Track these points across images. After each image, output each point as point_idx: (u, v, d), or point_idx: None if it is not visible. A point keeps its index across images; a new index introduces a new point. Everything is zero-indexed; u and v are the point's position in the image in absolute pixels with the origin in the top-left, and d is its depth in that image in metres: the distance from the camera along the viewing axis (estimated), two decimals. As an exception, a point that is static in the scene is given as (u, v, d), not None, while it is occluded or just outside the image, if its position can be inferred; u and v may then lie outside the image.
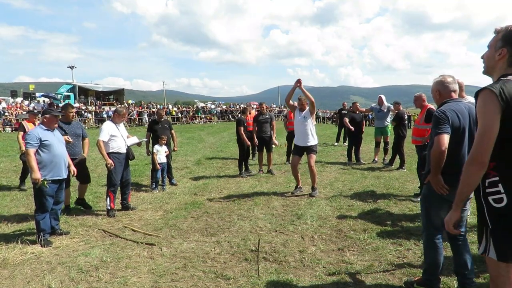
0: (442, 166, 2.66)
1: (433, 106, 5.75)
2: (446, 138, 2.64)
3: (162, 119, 7.35)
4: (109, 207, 5.27)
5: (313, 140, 6.15)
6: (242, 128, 8.09)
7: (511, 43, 1.83)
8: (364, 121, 10.07)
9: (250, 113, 8.82)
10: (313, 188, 6.27)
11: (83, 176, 5.50)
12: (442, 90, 2.86)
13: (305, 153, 6.24)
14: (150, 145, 7.04)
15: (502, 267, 1.82)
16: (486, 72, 1.99)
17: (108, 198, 5.27)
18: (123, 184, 5.50)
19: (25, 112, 17.99)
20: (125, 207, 5.52)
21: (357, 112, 9.96)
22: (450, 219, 1.98)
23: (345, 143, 13.90)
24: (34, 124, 7.21)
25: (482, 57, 2.00)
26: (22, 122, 7.80)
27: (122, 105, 29.08)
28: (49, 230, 4.29)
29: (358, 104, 10.10)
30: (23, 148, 7.33)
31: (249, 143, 8.13)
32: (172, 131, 7.44)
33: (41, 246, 4.06)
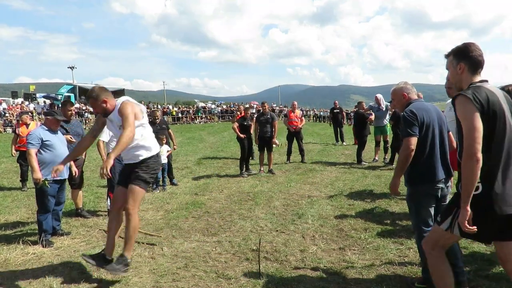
0: (406, 168, 2.77)
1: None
2: (414, 141, 2.74)
3: (158, 120, 7.37)
4: (110, 208, 5.26)
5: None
6: (235, 124, 8.27)
7: (464, 57, 2.13)
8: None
9: (241, 111, 8.92)
10: None
11: (79, 179, 5.37)
12: (407, 93, 3.02)
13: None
14: None
15: (447, 236, 2.21)
16: (458, 90, 2.19)
17: (108, 199, 5.27)
18: None
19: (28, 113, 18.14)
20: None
21: (363, 110, 9.94)
22: (463, 218, 2.03)
23: (344, 143, 13.92)
24: (27, 126, 7.24)
25: (448, 79, 2.22)
26: (15, 126, 7.89)
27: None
28: (51, 230, 4.29)
29: (364, 103, 10.10)
30: (13, 152, 7.40)
31: (242, 136, 8.14)
32: (170, 130, 7.46)
33: (43, 246, 4.06)
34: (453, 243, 2.31)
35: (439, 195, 2.88)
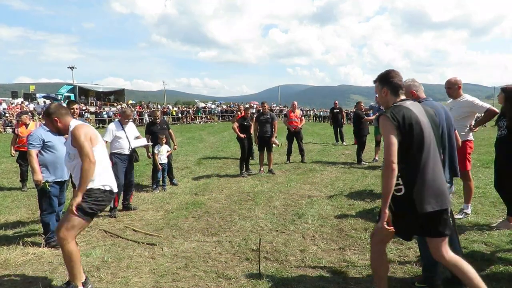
0: None
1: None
2: None
3: (159, 120, 7.37)
4: (112, 205, 5.26)
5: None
6: (235, 124, 8.28)
7: (385, 82, 2.53)
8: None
9: (241, 111, 8.93)
10: None
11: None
12: (416, 90, 3.07)
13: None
14: (150, 147, 7.04)
15: (385, 233, 2.37)
16: (386, 108, 2.54)
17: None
18: (126, 186, 5.50)
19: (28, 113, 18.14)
20: (126, 207, 5.53)
21: (362, 111, 9.96)
22: (382, 220, 2.32)
23: (344, 143, 13.92)
24: (26, 126, 7.23)
25: (377, 102, 2.41)
26: (15, 126, 7.89)
27: (127, 106, 29.07)
28: None
29: (362, 103, 10.12)
30: (13, 152, 7.40)
31: (242, 135, 8.14)
32: (170, 130, 7.47)
33: (51, 247, 4.05)
34: (391, 238, 2.62)
35: None
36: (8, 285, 3.23)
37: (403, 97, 2.52)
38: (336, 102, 14.73)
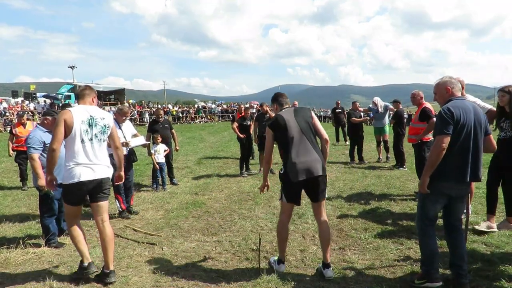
0: (436, 166, 2.76)
1: (429, 104, 5.75)
2: (446, 139, 2.71)
3: (162, 119, 7.34)
4: (120, 209, 5.23)
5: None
6: (234, 124, 8.29)
7: (274, 101, 3.56)
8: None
9: (241, 111, 8.92)
10: None
11: None
12: (451, 87, 2.92)
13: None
14: (151, 145, 7.03)
15: (286, 205, 3.31)
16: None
17: (117, 201, 5.24)
18: (126, 186, 5.44)
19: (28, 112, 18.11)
20: (128, 210, 5.47)
21: (357, 111, 9.98)
22: (261, 186, 3.59)
23: (347, 142, 13.92)
24: (24, 126, 7.22)
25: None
26: (12, 125, 7.87)
27: (124, 104, 29.02)
28: (57, 232, 4.29)
29: (357, 103, 10.15)
30: (11, 152, 7.38)
31: (242, 135, 8.13)
32: (173, 130, 7.44)
33: (54, 247, 4.05)
34: (291, 209, 3.37)
35: (454, 195, 2.87)
36: (8, 284, 3.23)
37: (284, 107, 3.45)
38: (339, 102, 14.70)
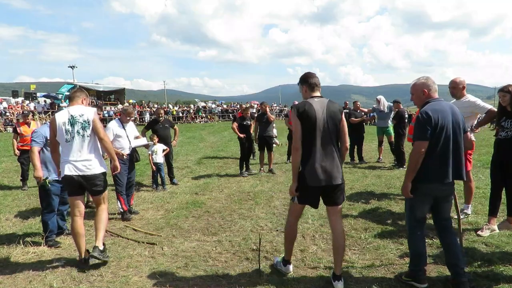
0: (418, 169, 2.81)
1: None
2: (424, 145, 2.75)
3: (162, 118, 7.34)
4: (121, 210, 5.18)
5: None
6: (234, 124, 8.27)
7: (303, 82, 3.11)
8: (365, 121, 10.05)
9: (243, 111, 8.87)
10: None
11: None
12: (428, 90, 2.92)
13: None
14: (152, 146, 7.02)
15: (296, 206, 3.13)
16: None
17: (118, 201, 5.22)
18: (127, 186, 5.45)
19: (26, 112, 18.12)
20: (129, 210, 5.46)
21: (358, 111, 9.97)
22: (291, 188, 3.04)
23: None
24: (29, 125, 7.21)
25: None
26: (15, 125, 7.82)
27: (129, 105, 28.97)
28: (56, 230, 4.30)
29: (358, 103, 10.14)
30: (16, 152, 7.35)
31: (241, 135, 8.13)
32: (175, 126, 7.49)
33: (48, 246, 4.06)
34: (300, 210, 3.21)
35: (439, 195, 2.90)
36: (8, 283, 3.23)
37: (315, 94, 3.06)
38: (347, 102, 14.61)
